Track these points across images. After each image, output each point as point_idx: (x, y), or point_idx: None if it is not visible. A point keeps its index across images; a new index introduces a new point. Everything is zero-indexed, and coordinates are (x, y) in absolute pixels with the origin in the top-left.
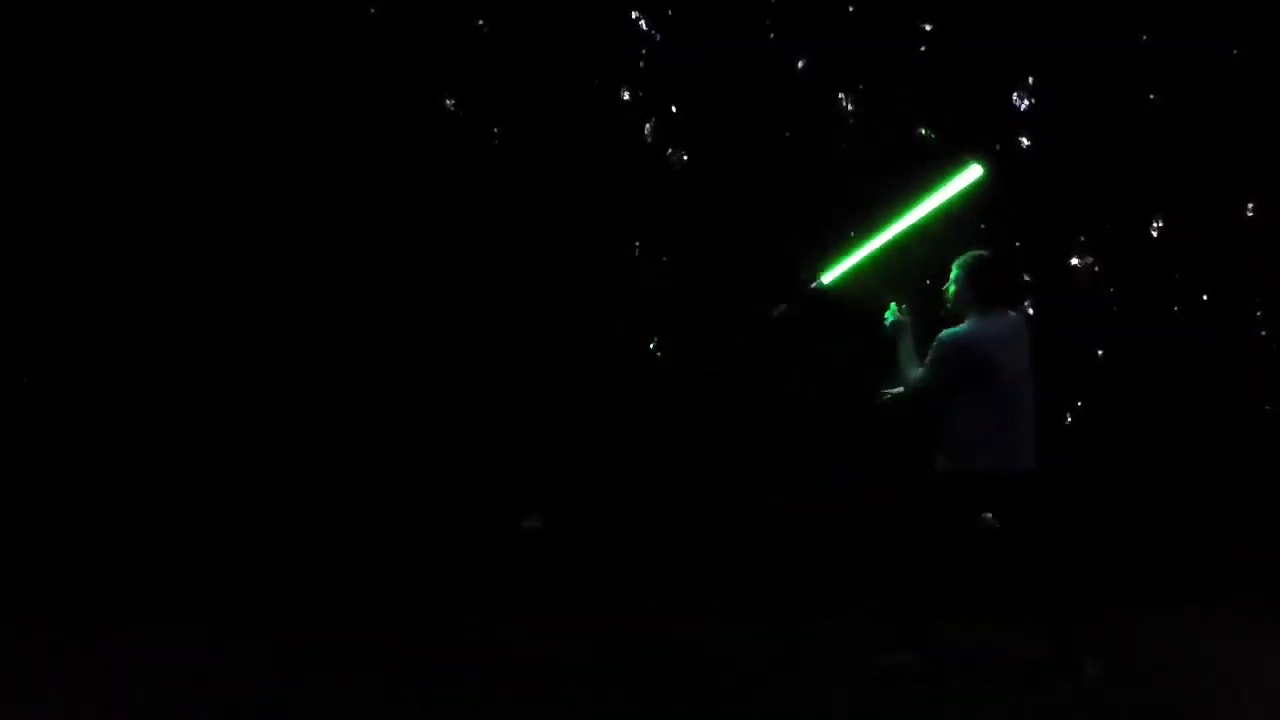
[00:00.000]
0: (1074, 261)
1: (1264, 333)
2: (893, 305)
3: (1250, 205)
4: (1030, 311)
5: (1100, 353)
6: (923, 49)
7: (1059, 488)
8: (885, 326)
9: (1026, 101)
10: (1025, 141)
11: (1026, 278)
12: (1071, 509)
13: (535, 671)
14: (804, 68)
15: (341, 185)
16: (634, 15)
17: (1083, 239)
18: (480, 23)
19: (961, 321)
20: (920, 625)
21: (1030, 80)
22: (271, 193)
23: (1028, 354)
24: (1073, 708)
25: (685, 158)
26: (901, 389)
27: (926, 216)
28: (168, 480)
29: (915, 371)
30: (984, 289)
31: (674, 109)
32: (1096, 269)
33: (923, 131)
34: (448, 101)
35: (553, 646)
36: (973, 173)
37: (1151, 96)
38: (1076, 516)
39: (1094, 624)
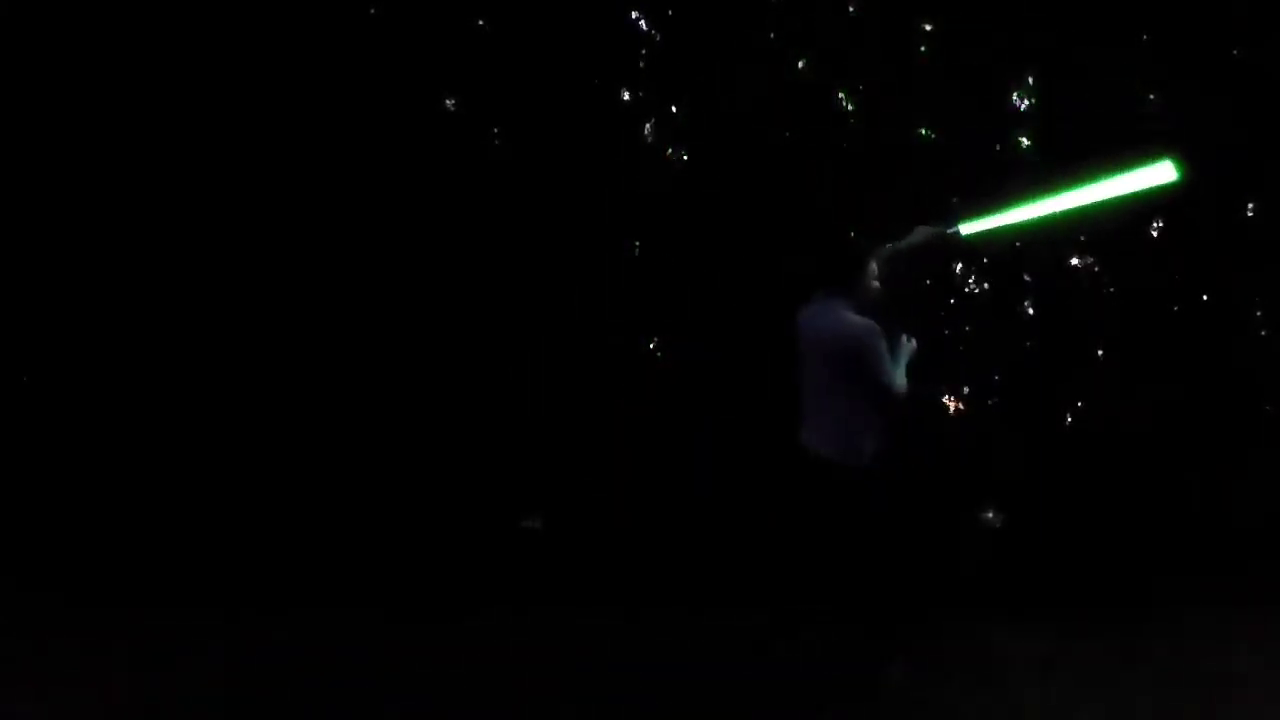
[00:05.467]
0: (1074, 261)
1: (1264, 333)
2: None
3: (1250, 205)
4: (1030, 311)
5: (1100, 353)
6: (923, 49)
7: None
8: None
9: (1026, 102)
10: (1025, 141)
11: (1027, 278)
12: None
13: (535, 672)
14: (804, 68)
15: (342, 185)
16: (634, 15)
17: (1083, 239)
18: (480, 23)
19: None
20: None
21: (1030, 80)
22: (272, 193)
23: (849, 357)
24: (1074, 707)
25: (685, 158)
26: None
27: (1100, 203)
28: (169, 480)
29: None
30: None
31: (674, 109)
32: (1096, 269)
33: (922, 132)
34: (448, 101)
35: (553, 647)
36: (1164, 172)
37: (1152, 97)
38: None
39: (903, 628)
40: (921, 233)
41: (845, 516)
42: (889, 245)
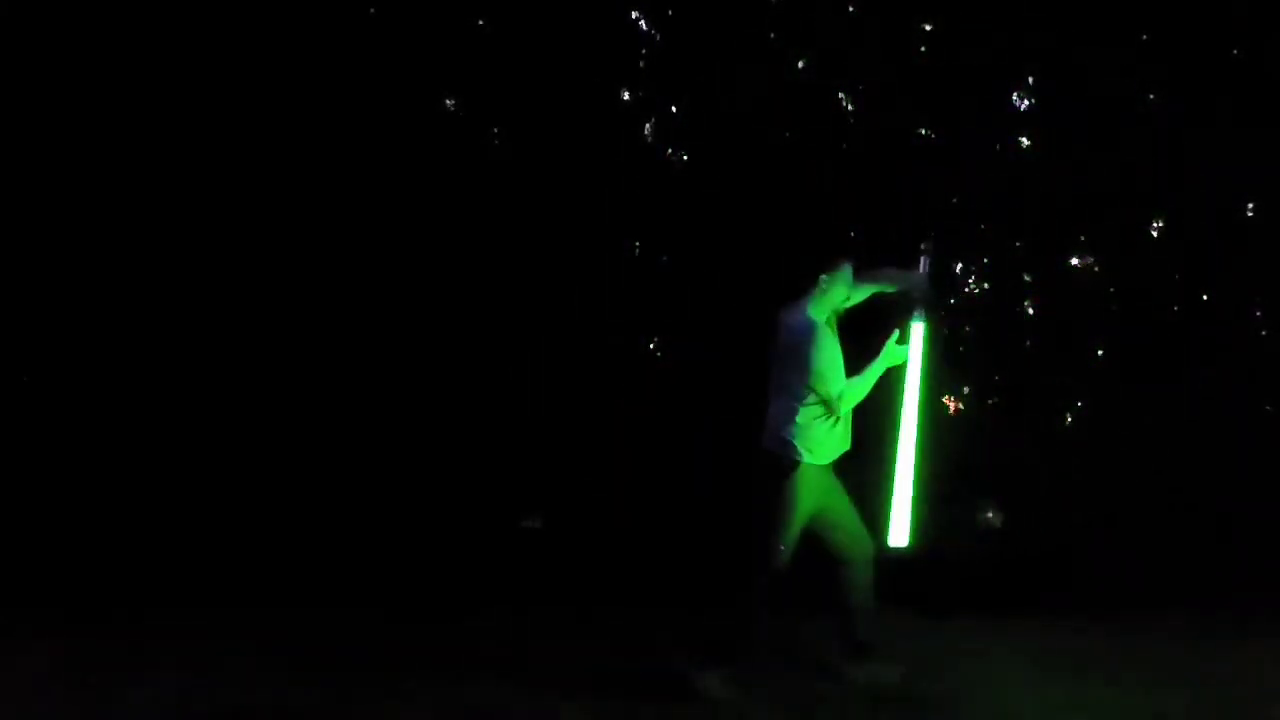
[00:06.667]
0: (1074, 261)
1: (1264, 333)
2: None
3: (1250, 205)
4: (1030, 311)
5: (1100, 353)
6: (923, 49)
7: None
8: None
9: (1026, 102)
10: (1025, 141)
11: (1027, 278)
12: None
13: (535, 672)
14: (804, 68)
15: (342, 186)
16: (634, 15)
17: (1083, 239)
18: (480, 23)
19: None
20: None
21: (1030, 80)
22: (272, 194)
23: (793, 354)
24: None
25: (685, 158)
26: None
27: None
28: (170, 479)
29: None
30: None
31: (674, 109)
32: (1096, 269)
33: (922, 131)
34: (448, 101)
35: (553, 647)
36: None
37: (1152, 96)
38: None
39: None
40: (912, 280)
41: (768, 502)
42: (894, 270)
